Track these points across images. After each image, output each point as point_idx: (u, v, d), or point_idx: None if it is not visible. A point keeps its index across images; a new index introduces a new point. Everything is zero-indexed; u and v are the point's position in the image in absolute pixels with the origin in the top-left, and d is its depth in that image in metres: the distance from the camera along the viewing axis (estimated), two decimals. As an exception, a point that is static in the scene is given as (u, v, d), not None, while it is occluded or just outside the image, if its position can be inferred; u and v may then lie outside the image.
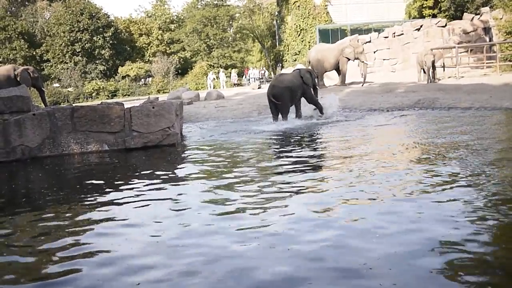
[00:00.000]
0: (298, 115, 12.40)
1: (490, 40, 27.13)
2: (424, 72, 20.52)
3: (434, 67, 20.29)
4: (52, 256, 3.69)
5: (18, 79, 18.52)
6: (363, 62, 21.75)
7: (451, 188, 4.75)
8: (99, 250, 3.75)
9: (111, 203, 5.20)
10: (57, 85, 40.04)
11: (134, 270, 3.33)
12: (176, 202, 5.00)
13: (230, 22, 48.71)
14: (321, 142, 8.98)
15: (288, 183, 5.44)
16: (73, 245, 3.90)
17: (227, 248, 3.61)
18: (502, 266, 3.07)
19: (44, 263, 3.59)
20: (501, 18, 26.78)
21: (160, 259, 3.47)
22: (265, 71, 40.91)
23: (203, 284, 3.06)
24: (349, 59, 22.00)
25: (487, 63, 23.77)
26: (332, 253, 3.39)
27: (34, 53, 42.42)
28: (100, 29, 42.28)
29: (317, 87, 13.44)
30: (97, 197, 5.48)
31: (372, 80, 23.27)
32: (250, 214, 4.39)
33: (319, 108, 12.60)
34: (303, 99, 12.45)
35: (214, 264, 3.34)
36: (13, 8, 46.65)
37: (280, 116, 11.95)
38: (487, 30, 27.98)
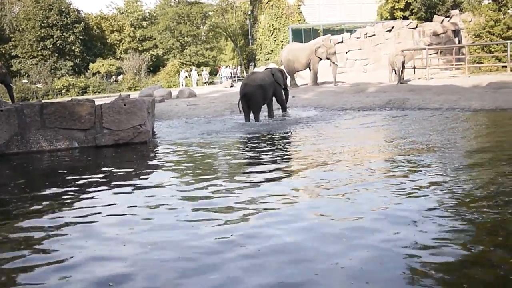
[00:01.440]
0: (271, 114, 12.44)
1: (459, 42, 27.65)
2: (395, 72, 20.81)
3: (403, 68, 20.59)
4: (13, 253, 3.62)
5: (-15, 75, 18.14)
6: (334, 63, 21.88)
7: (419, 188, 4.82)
8: (62, 249, 3.68)
9: (78, 201, 5.12)
10: (25, 81, 39.33)
11: (101, 270, 3.28)
12: (146, 200, 4.95)
13: (203, 20, 48.57)
14: (292, 141, 8.99)
15: (256, 182, 5.44)
16: (32, 244, 3.83)
17: (193, 245, 3.59)
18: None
19: (5, 260, 3.51)
20: (470, 21, 27.30)
21: (130, 258, 3.43)
22: (237, 70, 40.89)
23: (172, 283, 3.03)
24: (321, 59, 22.11)
25: (456, 64, 24.22)
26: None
27: (2, 48, 41.57)
28: (69, 25, 41.67)
29: (288, 88, 13.55)
30: (64, 195, 5.38)
31: (344, 80, 23.49)
32: (218, 213, 4.38)
33: (284, 108, 12.97)
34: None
35: (179, 263, 3.31)
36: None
37: (252, 115, 11.96)
38: (456, 32, 28.52)
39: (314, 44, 23.42)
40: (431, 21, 30.98)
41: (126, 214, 4.51)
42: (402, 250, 3.29)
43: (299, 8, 39.56)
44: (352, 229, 3.76)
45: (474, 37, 25.85)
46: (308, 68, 22.94)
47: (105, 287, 3.02)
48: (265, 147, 8.10)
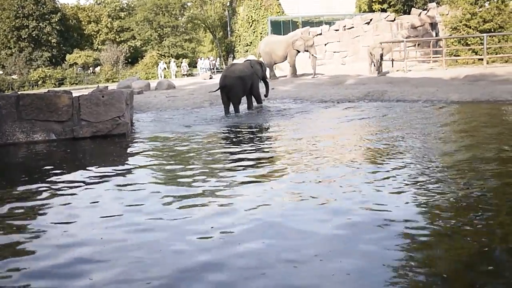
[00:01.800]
0: (250, 106, 12.43)
1: (437, 35, 27.87)
2: (374, 65, 20.95)
3: (382, 60, 20.73)
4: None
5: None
6: (312, 55, 21.91)
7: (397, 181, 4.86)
8: (39, 242, 3.64)
9: (54, 193, 5.05)
10: (0, 72, 38.66)
11: (77, 263, 3.25)
12: (122, 192, 4.92)
13: (182, 11, 48.20)
14: (271, 135, 8.98)
15: (233, 176, 5.43)
16: (11, 235, 3.78)
17: (170, 241, 3.58)
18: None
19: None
20: (447, 14, 27.51)
21: (106, 254, 3.41)
22: (215, 61, 40.66)
23: (152, 278, 3.02)
24: (299, 51, 22.12)
25: (433, 57, 24.42)
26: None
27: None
28: (46, 15, 41.02)
29: (267, 80, 13.56)
30: (41, 188, 5.30)
31: (322, 72, 23.53)
32: (195, 205, 4.37)
33: (259, 101, 12.91)
34: None
35: (159, 260, 3.30)
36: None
37: (232, 107, 11.94)
38: (433, 25, 28.74)
39: (292, 37, 23.40)
40: (409, 14, 31.20)
41: (102, 208, 4.47)
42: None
43: (278, 0, 39.51)
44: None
45: (451, 30, 26.06)
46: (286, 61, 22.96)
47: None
48: (244, 139, 8.09)
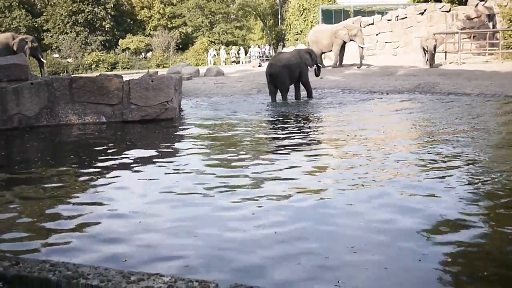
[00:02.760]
0: (297, 95, 12.37)
1: (494, 27, 26.96)
2: (427, 56, 20.46)
3: (435, 52, 20.22)
4: (41, 226, 3.69)
5: (15, 48, 18.43)
6: (358, 45, 21.57)
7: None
8: (88, 221, 3.74)
9: (104, 175, 5.18)
10: (56, 55, 39.79)
11: (120, 244, 3.33)
12: (170, 177, 4.99)
13: (234, -1, 48.28)
14: (318, 124, 8.92)
15: (283, 164, 5.42)
16: (60, 215, 3.90)
17: (220, 230, 3.62)
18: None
19: (34, 232, 3.59)
20: (505, 5, 26.57)
21: (150, 235, 3.48)
22: (265, 49, 40.57)
23: (192, 258, 3.06)
24: (345, 41, 21.83)
25: (489, 50, 23.64)
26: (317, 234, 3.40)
27: (34, 22, 42.03)
28: (101, 0, 41.88)
29: (320, 65, 13.48)
30: (90, 169, 5.46)
31: (373, 63, 23.16)
32: (246, 188, 4.39)
33: (309, 91, 12.64)
34: None
35: (202, 247, 3.34)
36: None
37: (279, 96, 11.93)
38: (491, 17, 27.78)
39: (336, 26, 23.15)
40: (465, 4, 30.23)
41: (149, 191, 4.56)
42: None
43: (330, -12, 39.06)
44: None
45: (509, 22, 25.18)
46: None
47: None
48: (289, 128, 8.07)
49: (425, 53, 20.76)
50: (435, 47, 19.98)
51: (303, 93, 12.51)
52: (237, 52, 39.56)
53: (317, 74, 13.27)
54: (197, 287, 1.66)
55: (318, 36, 22.73)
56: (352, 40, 21.59)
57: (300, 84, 12.35)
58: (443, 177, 4.58)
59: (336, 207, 3.89)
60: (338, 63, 22.56)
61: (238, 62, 38.27)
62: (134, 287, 1.64)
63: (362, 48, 21.86)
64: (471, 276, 2.78)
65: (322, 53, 23.08)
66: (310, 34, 23.36)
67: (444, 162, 5.14)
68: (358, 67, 21.24)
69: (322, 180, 4.69)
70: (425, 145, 6.16)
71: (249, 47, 40.62)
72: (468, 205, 3.81)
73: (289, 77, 11.86)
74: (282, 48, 37.94)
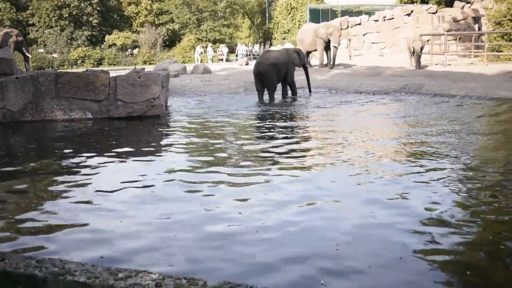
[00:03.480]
0: (284, 94, 12.39)
1: (479, 29, 27.20)
2: (414, 58, 20.57)
3: (421, 53, 20.33)
4: (21, 223, 3.66)
5: (-1, 42, 18.20)
6: (333, 45, 21.23)
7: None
8: (67, 219, 3.71)
9: (87, 172, 5.13)
10: (42, 50, 39.39)
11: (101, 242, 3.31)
12: (153, 174, 4.96)
13: (221, -4, 48.21)
14: (304, 124, 8.94)
15: (269, 163, 5.44)
16: (41, 212, 3.87)
17: (202, 224, 3.61)
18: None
19: (16, 230, 3.55)
20: (491, 8, 26.83)
21: (135, 233, 3.46)
22: (252, 48, 40.56)
23: (179, 256, 3.05)
24: (325, 41, 21.52)
25: (474, 52, 23.84)
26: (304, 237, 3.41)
27: (19, 16, 41.57)
28: (88, -6, 41.58)
29: (307, 65, 13.43)
30: (73, 165, 5.41)
31: (359, 63, 23.20)
32: (230, 186, 4.40)
33: (294, 91, 12.65)
34: None
35: (186, 242, 3.33)
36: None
37: (266, 94, 11.93)
38: (476, 19, 28.04)
39: (318, 25, 23.00)
40: (452, 6, 30.49)
41: (132, 187, 4.54)
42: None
43: (318, -12, 39.15)
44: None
45: (494, 24, 25.42)
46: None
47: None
48: (276, 128, 8.07)
49: (412, 54, 20.87)
50: (421, 49, 20.09)
51: (290, 92, 12.54)
52: (218, 50, 39.41)
53: (308, 84, 13.17)
54: (185, 284, 1.64)
55: (302, 35, 22.73)
56: (329, 40, 21.37)
57: (286, 83, 12.38)
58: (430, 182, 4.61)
59: (322, 210, 3.90)
60: (324, 62, 22.49)
61: (226, 60, 38.23)
62: (121, 284, 1.63)
63: (335, 47, 21.48)
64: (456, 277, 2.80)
65: (308, 52, 22.93)
66: (298, 33, 23.34)
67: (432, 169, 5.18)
68: (330, 67, 21.05)
69: (306, 182, 4.69)
70: (412, 150, 6.20)
71: (236, 45, 40.55)
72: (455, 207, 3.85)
73: (277, 76, 11.86)
74: (269, 47, 37.96)
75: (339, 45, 21.50)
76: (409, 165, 5.13)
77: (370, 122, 8.50)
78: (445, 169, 4.92)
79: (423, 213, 3.68)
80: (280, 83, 12.20)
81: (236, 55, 38.87)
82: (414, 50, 20.09)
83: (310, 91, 13.08)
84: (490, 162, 5.23)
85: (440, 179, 4.57)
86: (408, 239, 3.22)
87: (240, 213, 3.74)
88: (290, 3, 39.72)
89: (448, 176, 4.65)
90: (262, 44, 43.45)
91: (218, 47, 39.50)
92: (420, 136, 6.81)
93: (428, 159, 5.35)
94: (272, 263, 2.90)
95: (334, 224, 3.53)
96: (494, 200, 3.96)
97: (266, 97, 11.92)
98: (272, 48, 32.52)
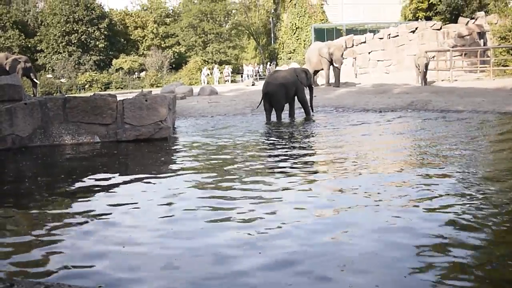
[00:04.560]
0: (291, 113, 12.40)
1: (485, 44, 27.25)
2: (420, 74, 20.59)
3: (427, 70, 20.35)
4: (31, 248, 3.66)
5: (7, 68, 18.40)
6: (335, 66, 21.19)
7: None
8: (77, 245, 3.70)
9: (96, 196, 5.15)
10: (50, 75, 39.76)
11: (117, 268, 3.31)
12: (164, 198, 4.95)
13: (227, 18, 48.58)
14: (313, 145, 8.90)
15: (278, 183, 5.41)
16: (50, 237, 3.87)
17: (213, 247, 3.60)
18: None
19: (28, 253, 3.55)
20: (495, 23, 26.92)
21: (145, 258, 3.46)
22: (259, 68, 40.83)
23: (186, 278, 3.04)
24: (328, 60, 21.45)
25: (480, 67, 23.86)
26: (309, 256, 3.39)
27: (27, 42, 42.08)
28: (95, 20, 42.03)
29: (313, 85, 13.41)
30: (83, 189, 5.43)
31: (366, 81, 23.27)
32: (238, 213, 4.35)
33: (307, 110, 12.58)
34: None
35: (196, 264, 3.32)
36: (5, -3, 46.34)
37: (274, 114, 11.95)
38: (481, 34, 28.11)
39: (323, 44, 22.95)
40: (456, 22, 30.61)
41: (143, 212, 4.54)
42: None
43: (322, 7, 39.43)
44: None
45: (499, 39, 25.48)
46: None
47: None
48: (284, 149, 8.07)
49: (419, 71, 20.87)
50: (427, 65, 20.12)
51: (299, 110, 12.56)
52: (224, 71, 39.64)
53: (310, 102, 13.03)
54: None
55: (310, 54, 22.75)
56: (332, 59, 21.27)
57: (295, 102, 12.36)
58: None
59: (330, 229, 3.88)
60: (330, 81, 22.47)
61: (233, 81, 38.44)
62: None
63: (337, 68, 21.37)
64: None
65: (315, 71, 22.92)
66: (306, 52, 23.37)
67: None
68: (334, 86, 20.95)
69: (316, 204, 4.64)
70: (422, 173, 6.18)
71: (241, 66, 40.81)
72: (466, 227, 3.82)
73: (285, 95, 11.88)
74: (275, 67, 38.15)
75: (341, 64, 21.39)
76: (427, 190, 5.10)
77: (385, 145, 8.47)
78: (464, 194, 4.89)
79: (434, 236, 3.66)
80: (287, 103, 12.21)
81: (242, 76, 39.12)
82: (420, 67, 20.12)
83: (312, 110, 12.94)
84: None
85: (456, 204, 4.54)
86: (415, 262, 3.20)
87: (249, 233, 3.72)
88: (295, 23, 39.97)
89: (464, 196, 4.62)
90: (266, 64, 43.66)
91: (223, 69, 39.77)
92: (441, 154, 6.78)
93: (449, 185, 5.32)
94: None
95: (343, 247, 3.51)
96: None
97: (273, 117, 11.94)
98: (278, 68, 32.67)
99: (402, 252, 3.29)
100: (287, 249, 3.40)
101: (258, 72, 39.76)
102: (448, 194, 4.57)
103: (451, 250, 3.30)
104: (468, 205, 4.22)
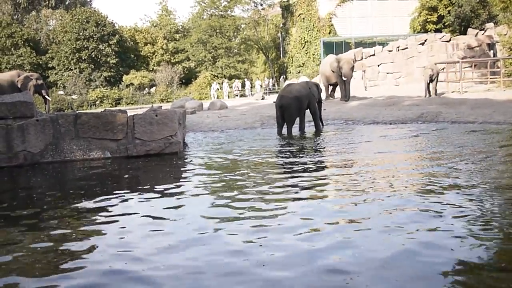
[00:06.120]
0: (302, 127, 12.39)
1: (494, 55, 27.20)
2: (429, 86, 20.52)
3: (436, 81, 20.26)
4: (41, 268, 3.66)
5: (19, 85, 18.58)
6: (343, 77, 20.66)
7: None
8: (89, 260, 3.71)
9: (108, 211, 5.15)
10: (61, 92, 40.16)
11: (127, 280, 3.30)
12: (176, 213, 4.95)
13: (236, 33, 48.89)
14: (325, 160, 8.84)
15: (291, 204, 5.31)
16: (60, 255, 3.87)
17: (222, 261, 3.59)
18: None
19: (42, 270, 3.56)
20: (505, 34, 26.86)
21: (159, 272, 3.45)
22: (269, 82, 41.00)
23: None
24: (338, 74, 20.84)
25: (490, 78, 23.76)
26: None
27: (39, 60, 42.55)
28: (105, 37, 42.46)
29: (322, 101, 13.25)
30: (95, 205, 5.43)
31: (375, 94, 23.19)
32: (251, 226, 4.32)
33: (317, 123, 12.59)
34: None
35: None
36: (18, 15, 46.95)
37: (285, 127, 11.97)
38: (491, 45, 28.06)
39: (335, 57, 22.31)
40: (465, 34, 30.58)
41: (154, 226, 4.54)
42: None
43: (330, 21, 39.54)
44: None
45: (509, 50, 25.40)
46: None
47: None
48: (297, 164, 8.05)
49: (428, 83, 20.75)
50: (431, 76, 19.97)
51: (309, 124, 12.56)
52: (235, 85, 39.82)
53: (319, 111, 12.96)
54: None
55: (323, 68, 22.42)
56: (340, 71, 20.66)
57: (305, 115, 12.35)
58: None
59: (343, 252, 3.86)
60: (344, 95, 22.17)
61: (242, 95, 38.58)
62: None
63: (344, 81, 20.78)
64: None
65: (329, 84, 22.48)
66: (320, 65, 23.25)
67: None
68: (344, 100, 20.50)
69: (329, 222, 4.54)
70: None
71: (251, 80, 41.00)
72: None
73: (299, 109, 11.91)
74: (285, 81, 38.25)
75: (350, 77, 20.86)
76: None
77: (393, 161, 8.44)
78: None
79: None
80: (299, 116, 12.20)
81: (251, 90, 39.27)
82: (429, 78, 20.05)
83: (322, 124, 12.91)
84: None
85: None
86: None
87: (263, 251, 3.70)
88: (304, 37, 40.10)
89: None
90: (277, 78, 43.80)
91: (233, 83, 39.97)
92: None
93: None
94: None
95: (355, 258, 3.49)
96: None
97: (284, 130, 11.95)
98: (288, 81, 32.73)
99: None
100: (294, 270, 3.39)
101: (268, 86, 39.87)
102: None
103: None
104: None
